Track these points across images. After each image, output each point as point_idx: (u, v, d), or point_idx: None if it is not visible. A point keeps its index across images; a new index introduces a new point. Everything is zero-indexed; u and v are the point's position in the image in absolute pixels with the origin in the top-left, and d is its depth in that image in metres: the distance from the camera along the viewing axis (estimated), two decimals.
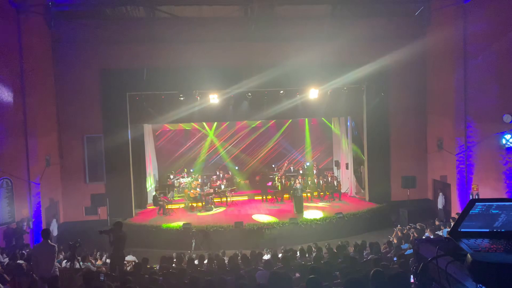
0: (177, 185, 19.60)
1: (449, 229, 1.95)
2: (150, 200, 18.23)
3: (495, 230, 1.80)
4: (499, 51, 13.11)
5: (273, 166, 22.06)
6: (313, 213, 16.10)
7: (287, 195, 18.23)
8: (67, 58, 15.46)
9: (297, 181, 17.12)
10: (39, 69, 14.44)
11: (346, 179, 19.70)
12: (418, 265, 1.85)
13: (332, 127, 21.31)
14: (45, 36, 15.04)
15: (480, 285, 1.48)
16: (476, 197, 9.66)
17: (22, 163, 13.52)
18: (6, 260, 9.78)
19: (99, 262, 10.91)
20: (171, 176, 20.18)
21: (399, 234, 12.60)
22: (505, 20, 12.88)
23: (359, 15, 16.35)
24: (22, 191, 13.43)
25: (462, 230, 1.82)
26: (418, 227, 12.32)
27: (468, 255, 1.54)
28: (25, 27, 13.51)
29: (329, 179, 18.94)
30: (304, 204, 16.60)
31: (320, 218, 15.09)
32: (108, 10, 15.66)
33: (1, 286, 7.27)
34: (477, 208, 1.75)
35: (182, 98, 16.26)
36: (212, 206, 17.53)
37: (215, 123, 21.15)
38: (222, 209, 17.45)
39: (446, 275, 1.65)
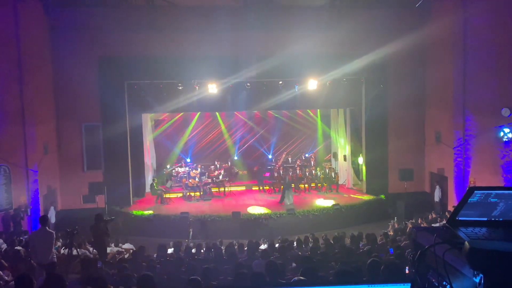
0: (175, 174, 19.62)
1: (445, 222, 1.95)
2: (148, 189, 18.25)
3: (493, 219, 1.80)
4: (499, 44, 13.06)
5: (270, 157, 22.07)
6: (309, 204, 16.19)
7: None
8: (65, 46, 15.33)
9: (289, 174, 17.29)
10: (37, 56, 14.35)
11: (343, 170, 19.74)
12: (415, 253, 1.85)
13: (332, 121, 21.29)
14: (43, 23, 14.91)
15: (477, 272, 1.49)
16: None
17: (20, 151, 13.50)
18: (4, 246, 9.81)
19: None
20: (168, 166, 20.18)
21: (396, 226, 12.70)
22: (505, 13, 12.82)
23: (359, 6, 16.24)
24: (20, 178, 13.43)
25: (460, 218, 1.82)
26: (413, 220, 12.43)
27: (466, 243, 1.55)
28: (22, 13, 13.38)
29: (327, 170, 18.98)
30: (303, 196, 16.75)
31: (317, 209, 15.15)
32: None
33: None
34: (476, 196, 1.75)
35: (180, 88, 16.20)
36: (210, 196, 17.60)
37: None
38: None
39: (443, 263, 1.65)
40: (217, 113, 21.00)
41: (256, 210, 15.58)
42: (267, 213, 14.89)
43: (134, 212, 15.19)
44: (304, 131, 22.42)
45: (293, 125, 22.28)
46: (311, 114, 21.94)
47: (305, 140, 22.58)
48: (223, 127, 21.68)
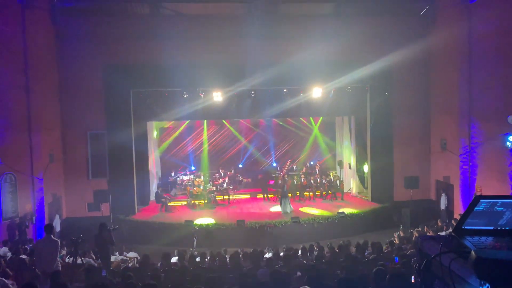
0: (179, 182, 19.63)
1: (451, 231, 1.93)
2: (152, 197, 18.26)
3: (499, 228, 1.78)
4: (504, 51, 13.01)
5: (274, 165, 22.06)
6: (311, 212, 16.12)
7: (290, 194, 18.23)
8: (71, 54, 15.48)
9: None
10: (43, 65, 14.49)
11: (348, 178, 19.67)
12: (421, 262, 1.84)
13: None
14: (50, 31, 15.08)
15: (484, 282, 1.47)
16: None
17: (26, 159, 13.57)
18: (9, 254, 9.83)
19: None
20: (172, 174, 20.21)
21: (401, 234, 12.59)
22: (511, 19, 12.79)
23: (364, 14, 16.29)
24: (25, 186, 13.49)
25: (466, 227, 1.80)
26: (419, 228, 12.31)
27: (472, 252, 1.53)
28: (29, 22, 13.55)
29: (332, 178, 18.91)
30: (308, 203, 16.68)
31: (322, 217, 15.07)
32: (113, 7, 15.68)
33: (4, 280, 7.29)
34: (482, 205, 1.73)
35: (185, 96, 16.27)
36: (214, 204, 17.58)
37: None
38: None
39: (449, 272, 1.63)
40: (223, 121, 21.12)
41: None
42: (272, 222, 14.83)
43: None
44: (308, 139, 22.43)
45: (297, 133, 22.32)
46: (313, 123, 22.02)
47: (310, 148, 22.57)
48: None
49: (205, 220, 15.20)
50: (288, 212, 15.95)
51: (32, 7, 13.58)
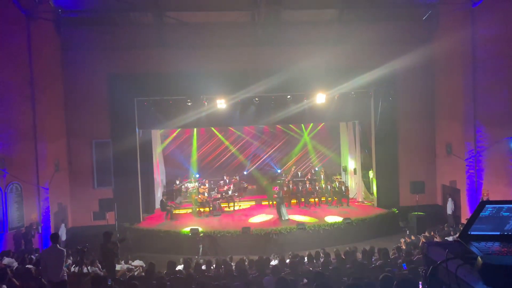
0: (184, 190, 19.62)
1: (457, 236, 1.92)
2: (157, 205, 18.26)
3: (506, 233, 1.77)
4: (508, 55, 12.98)
5: (279, 171, 22.02)
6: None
7: (295, 200, 18.20)
8: (76, 64, 15.63)
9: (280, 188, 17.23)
10: (48, 75, 14.61)
11: (354, 184, 19.59)
12: (428, 269, 1.82)
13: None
14: (55, 42, 15.24)
15: None
16: None
17: (32, 168, 13.64)
18: (15, 264, 9.84)
19: None
20: (177, 181, 20.21)
21: (408, 240, 12.49)
22: None
23: (366, 20, 16.33)
24: (31, 195, 13.55)
25: (472, 233, 1.79)
26: (426, 234, 12.23)
27: (479, 258, 1.52)
28: (34, 33, 13.69)
29: (337, 184, 18.84)
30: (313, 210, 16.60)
31: (328, 224, 15.00)
32: (117, 16, 15.82)
33: None
34: (488, 210, 1.72)
35: (189, 103, 16.34)
36: (220, 211, 17.54)
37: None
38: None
39: (456, 278, 1.62)
40: (230, 127, 21.19)
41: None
42: (277, 228, 14.77)
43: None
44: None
45: (300, 139, 22.29)
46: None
47: (314, 154, 22.56)
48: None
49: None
50: (284, 219, 15.83)
51: (37, 18, 13.73)
